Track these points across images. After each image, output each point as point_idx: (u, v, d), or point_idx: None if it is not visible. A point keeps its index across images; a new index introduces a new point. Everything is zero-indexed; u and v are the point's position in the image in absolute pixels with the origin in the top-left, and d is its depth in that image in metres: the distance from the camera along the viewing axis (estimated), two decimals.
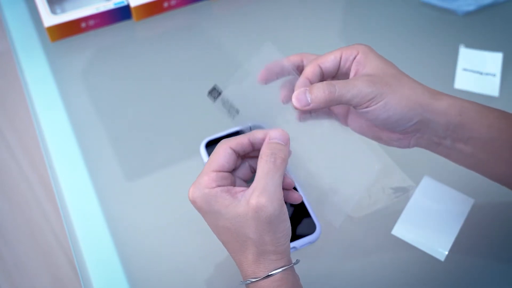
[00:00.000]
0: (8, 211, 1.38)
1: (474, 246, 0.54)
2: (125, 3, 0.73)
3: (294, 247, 0.52)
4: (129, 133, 0.64)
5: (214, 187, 0.42)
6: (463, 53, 0.71)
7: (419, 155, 0.59)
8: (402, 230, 0.55)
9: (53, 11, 0.74)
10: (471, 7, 0.75)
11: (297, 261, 0.45)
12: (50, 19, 0.70)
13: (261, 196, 0.41)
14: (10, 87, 1.59)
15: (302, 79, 0.46)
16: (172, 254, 0.54)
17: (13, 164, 1.46)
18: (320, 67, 0.47)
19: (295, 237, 0.52)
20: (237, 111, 0.45)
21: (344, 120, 0.50)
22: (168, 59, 0.72)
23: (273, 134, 0.44)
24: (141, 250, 0.55)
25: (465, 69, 0.70)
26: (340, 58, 0.47)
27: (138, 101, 0.67)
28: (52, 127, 0.64)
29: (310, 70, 0.46)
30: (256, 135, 0.45)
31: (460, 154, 0.46)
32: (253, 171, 0.47)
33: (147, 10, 0.74)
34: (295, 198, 0.46)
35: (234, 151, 0.44)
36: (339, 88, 0.44)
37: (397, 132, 0.46)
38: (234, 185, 0.45)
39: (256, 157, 0.44)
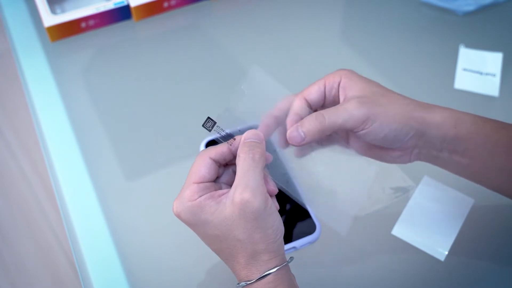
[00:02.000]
0: (8, 211, 1.38)
1: (474, 246, 0.54)
2: (125, 3, 0.73)
3: (294, 247, 0.52)
4: (129, 133, 0.64)
5: (197, 199, 0.43)
6: (463, 53, 0.71)
7: None
8: (402, 230, 0.55)
9: (53, 11, 0.74)
10: (471, 7, 0.75)
11: (291, 259, 0.44)
12: (50, 19, 0.70)
13: (244, 192, 0.41)
14: (10, 87, 1.59)
15: (291, 116, 0.47)
16: (172, 254, 0.54)
17: (13, 164, 1.46)
18: (306, 100, 0.47)
19: (295, 237, 0.52)
20: (234, 139, 0.45)
21: (344, 142, 0.51)
22: (168, 59, 0.72)
23: (247, 135, 0.45)
24: (141, 250, 0.55)
25: (465, 69, 0.70)
26: (324, 87, 0.47)
27: (138, 101, 0.67)
28: (52, 127, 0.64)
29: (297, 105, 0.47)
30: (235, 143, 0.45)
31: (458, 166, 0.46)
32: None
33: (147, 10, 0.74)
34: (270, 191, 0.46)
35: (214, 160, 0.45)
36: (328, 115, 0.44)
37: (397, 148, 0.46)
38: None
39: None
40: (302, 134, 0.45)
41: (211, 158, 0.44)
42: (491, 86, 0.68)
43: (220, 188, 0.45)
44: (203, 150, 0.45)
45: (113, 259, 0.54)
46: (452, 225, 0.55)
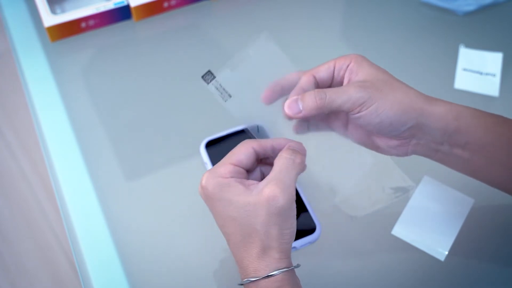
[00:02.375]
0: (8, 211, 1.38)
1: (474, 246, 0.54)
2: (125, 3, 0.73)
3: (294, 247, 0.52)
4: (129, 133, 0.64)
5: (228, 177, 0.43)
6: (463, 53, 0.71)
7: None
8: (402, 230, 0.55)
9: (53, 11, 0.74)
10: (471, 7, 0.75)
11: (298, 265, 0.44)
12: (50, 19, 0.70)
13: (276, 186, 0.41)
14: (10, 87, 1.59)
15: (296, 89, 0.47)
16: (172, 254, 0.54)
17: (13, 164, 1.46)
18: (315, 77, 0.48)
19: (295, 237, 0.52)
20: (230, 95, 0.46)
21: (344, 131, 0.50)
22: (168, 59, 0.72)
23: (293, 144, 0.46)
24: (141, 250, 0.55)
25: (465, 69, 0.70)
26: (334, 68, 0.48)
27: (138, 101, 0.67)
28: (52, 127, 0.64)
29: (304, 80, 0.48)
30: (279, 141, 0.46)
31: (458, 160, 0.46)
32: (264, 177, 0.48)
33: (147, 10, 0.74)
34: None
35: (255, 151, 0.45)
36: (330, 94, 0.45)
37: (393, 137, 0.46)
38: None
39: (270, 164, 0.45)
40: (300, 106, 0.45)
41: (253, 148, 0.45)
42: (491, 86, 0.68)
43: None
44: (248, 139, 0.46)
45: (113, 259, 0.54)
46: (452, 225, 0.55)
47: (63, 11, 0.75)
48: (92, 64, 0.71)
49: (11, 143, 1.50)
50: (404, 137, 0.46)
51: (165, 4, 0.75)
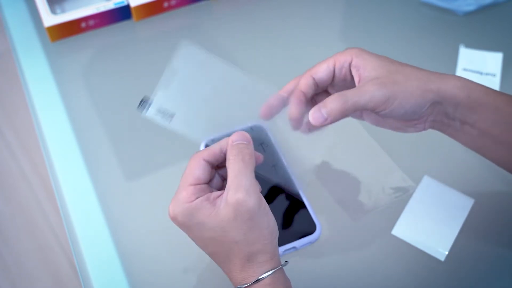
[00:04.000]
0: (8, 211, 1.38)
1: (474, 246, 0.54)
2: (125, 3, 0.73)
3: (294, 247, 0.52)
4: (129, 133, 0.64)
5: (193, 200, 0.42)
6: (463, 53, 0.71)
7: (419, 155, 0.59)
8: (402, 230, 0.55)
9: (53, 11, 0.74)
10: (471, 7, 0.75)
11: (286, 263, 0.44)
12: (50, 19, 0.70)
13: (237, 192, 0.41)
14: (10, 87, 1.59)
15: (296, 93, 0.47)
16: (172, 254, 0.54)
17: (13, 164, 1.46)
18: (313, 78, 0.47)
19: (295, 237, 0.52)
20: (172, 115, 0.45)
21: (359, 115, 0.50)
22: (168, 59, 0.72)
23: (234, 138, 0.45)
24: (141, 250, 0.55)
25: (465, 69, 0.70)
26: (334, 66, 0.47)
27: (138, 101, 0.67)
28: (52, 127, 0.64)
29: (303, 83, 0.47)
30: (224, 142, 0.45)
31: (468, 136, 0.47)
32: (224, 179, 0.48)
33: (147, 10, 0.74)
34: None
35: (208, 162, 0.45)
36: (351, 96, 0.44)
37: (414, 120, 0.47)
38: None
39: (225, 166, 0.45)
40: (325, 114, 0.44)
41: (204, 160, 0.45)
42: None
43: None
44: (196, 152, 0.45)
45: (113, 259, 0.54)
46: (452, 225, 0.55)
47: (63, 11, 0.75)
48: (92, 64, 0.71)
49: (11, 143, 1.50)
50: (423, 116, 0.46)
51: (165, 4, 0.75)
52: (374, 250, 0.54)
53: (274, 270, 0.42)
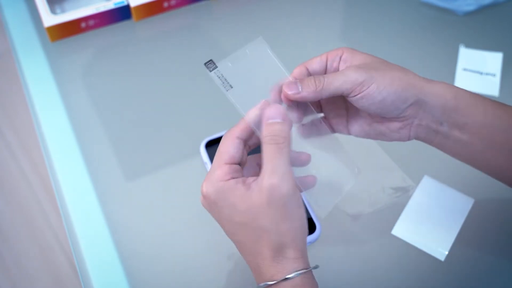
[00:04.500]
0: (8, 211, 1.38)
1: (474, 246, 0.54)
2: (125, 3, 0.73)
3: None
4: (129, 133, 0.64)
5: (229, 179, 0.42)
6: (463, 53, 0.71)
7: (419, 155, 0.59)
8: (402, 230, 0.55)
9: (53, 11, 0.74)
10: (471, 7, 0.75)
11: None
12: (50, 19, 0.70)
13: (271, 177, 0.39)
14: (10, 87, 1.59)
15: (290, 79, 0.47)
16: (172, 254, 0.54)
17: (13, 164, 1.46)
18: (307, 68, 0.48)
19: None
20: (231, 86, 0.46)
21: (345, 128, 0.50)
22: (168, 59, 0.72)
23: (268, 114, 0.43)
24: (141, 250, 0.55)
25: (465, 69, 0.70)
26: (326, 60, 0.48)
27: (138, 101, 0.67)
28: (52, 127, 0.64)
29: (297, 71, 0.48)
30: (250, 115, 0.44)
31: (457, 144, 0.46)
32: (260, 168, 0.47)
33: (147, 10, 0.74)
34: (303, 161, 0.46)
35: (241, 139, 0.44)
36: (327, 77, 0.45)
37: (395, 119, 0.46)
38: None
39: (256, 144, 0.44)
40: (299, 88, 0.45)
41: (238, 138, 0.44)
42: (491, 86, 0.68)
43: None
44: (227, 132, 0.44)
45: (113, 259, 0.54)
46: (452, 225, 0.55)
47: (63, 11, 0.75)
48: (92, 64, 0.71)
49: (11, 143, 1.50)
50: (406, 117, 0.46)
51: (165, 4, 0.75)
52: (374, 250, 0.54)
53: (305, 270, 0.41)
